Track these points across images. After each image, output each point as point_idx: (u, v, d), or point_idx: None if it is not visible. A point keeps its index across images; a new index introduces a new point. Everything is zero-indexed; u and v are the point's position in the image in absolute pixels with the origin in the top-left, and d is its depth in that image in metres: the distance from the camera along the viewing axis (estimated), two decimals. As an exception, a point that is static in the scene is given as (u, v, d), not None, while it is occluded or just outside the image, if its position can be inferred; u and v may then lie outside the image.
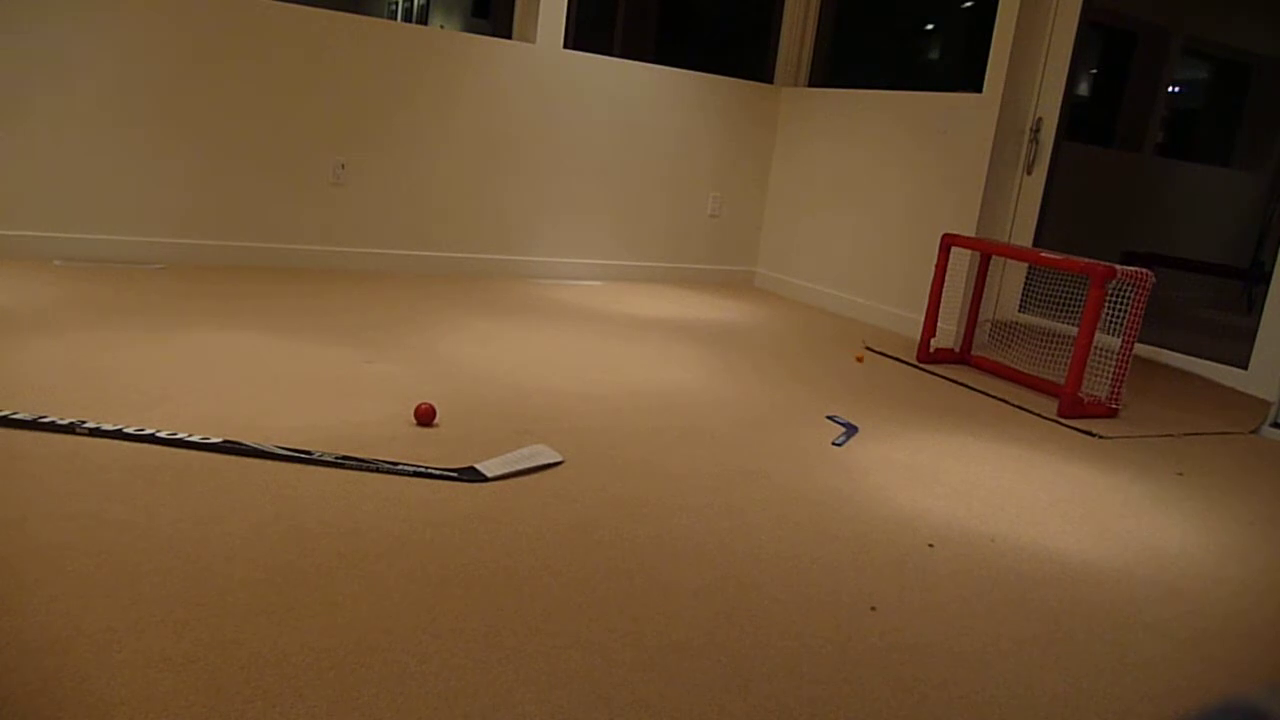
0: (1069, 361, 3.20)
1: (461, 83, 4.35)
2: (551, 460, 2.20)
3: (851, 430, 2.75)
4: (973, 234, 4.07)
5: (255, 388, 2.48)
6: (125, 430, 2.04)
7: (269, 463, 2.00)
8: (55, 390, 2.27)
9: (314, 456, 2.04)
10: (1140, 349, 3.81)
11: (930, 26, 6.05)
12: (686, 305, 4.52)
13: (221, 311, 3.21)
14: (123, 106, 3.72)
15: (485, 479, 2.06)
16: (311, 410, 2.35)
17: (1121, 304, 3.23)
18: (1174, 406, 3.40)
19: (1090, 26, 4.14)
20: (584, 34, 5.55)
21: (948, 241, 3.76)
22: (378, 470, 2.02)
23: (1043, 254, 3.36)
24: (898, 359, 3.83)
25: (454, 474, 2.06)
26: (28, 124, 3.57)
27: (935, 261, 3.92)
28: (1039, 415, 3.17)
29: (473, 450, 2.22)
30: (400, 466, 2.05)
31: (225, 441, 2.06)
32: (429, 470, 2.05)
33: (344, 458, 2.05)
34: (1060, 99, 3.97)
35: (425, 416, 2.36)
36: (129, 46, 3.67)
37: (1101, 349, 3.27)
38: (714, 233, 5.25)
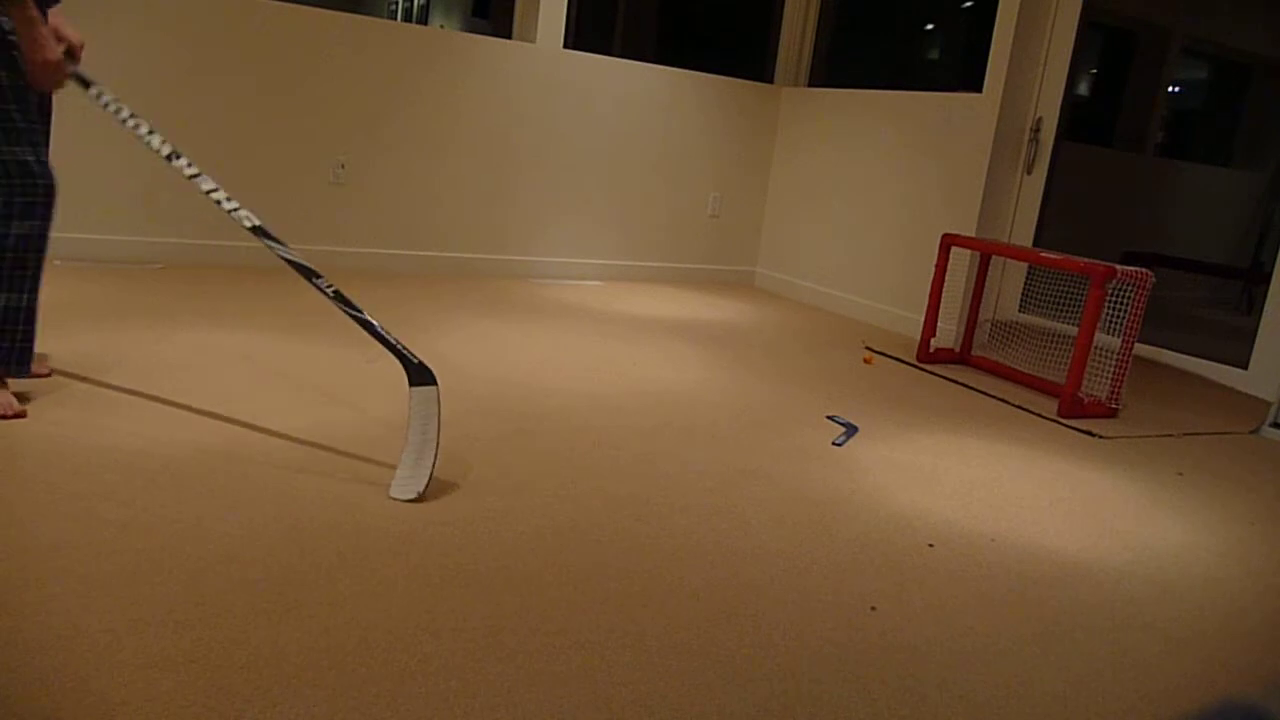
0: (1069, 361, 3.20)
1: (461, 83, 4.35)
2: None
3: (851, 430, 2.75)
4: (973, 234, 4.07)
5: (257, 387, 2.48)
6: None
7: (269, 462, 2.00)
8: (57, 390, 2.27)
9: (319, 282, 2.05)
10: (1140, 349, 3.81)
11: (930, 26, 6.05)
12: (687, 305, 4.52)
13: (222, 311, 3.21)
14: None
15: (434, 382, 1.99)
16: (313, 409, 2.35)
17: (1121, 304, 3.23)
18: (1174, 406, 3.40)
19: (1090, 26, 4.14)
20: (584, 34, 5.55)
21: (948, 241, 3.76)
22: (367, 326, 2.02)
23: (1043, 254, 3.36)
24: (898, 359, 3.83)
25: (414, 361, 2.00)
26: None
27: (935, 261, 3.92)
28: (1039, 415, 3.17)
29: (472, 449, 2.22)
30: (387, 337, 2.03)
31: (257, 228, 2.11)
32: (401, 349, 2.02)
33: (341, 299, 2.05)
34: (1060, 99, 3.97)
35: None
36: (129, 47, 3.67)
37: (1101, 349, 3.27)
38: (714, 233, 5.25)
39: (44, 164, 2.08)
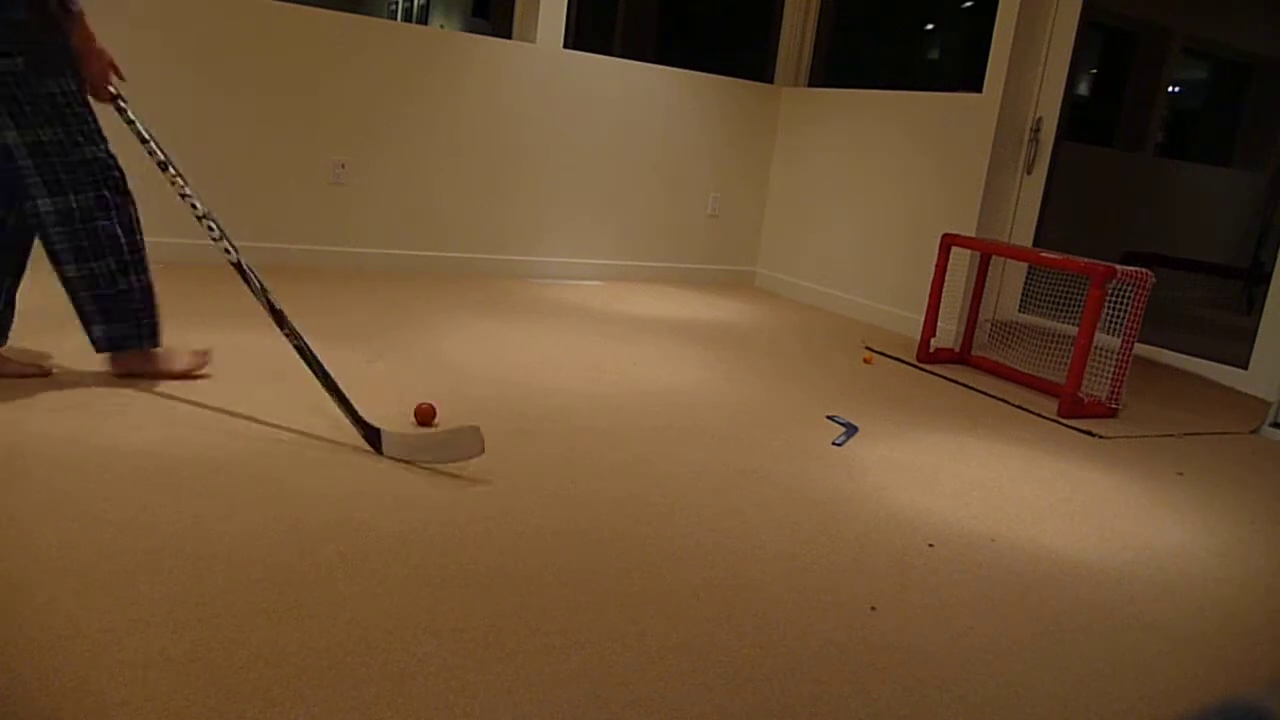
0: (1069, 361, 3.20)
1: (461, 83, 4.35)
2: (467, 454, 2.10)
3: (851, 430, 2.75)
4: (973, 234, 4.07)
5: (256, 387, 2.48)
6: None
7: (269, 462, 2.00)
8: (58, 390, 2.27)
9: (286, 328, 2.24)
10: (1140, 349, 3.81)
11: (930, 26, 6.05)
12: (686, 305, 4.52)
13: (221, 311, 3.21)
14: (123, 106, 3.72)
15: (379, 450, 2.14)
16: (313, 409, 2.35)
17: (1121, 304, 3.23)
18: (1174, 406, 3.40)
19: (1090, 26, 4.14)
20: (584, 34, 5.55)
21: (948, 241, 3.76)
22: (324, 382, 2.20)
23: (1043, 254, 3.36)
24: (898, 359, 3.83)
25: (365, 430, 2.17)
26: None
27: (935, 261, 3.92)
28: (1039, 415, 3.17)
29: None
30: (347, 399, 2.20)
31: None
32: (355, 412, 2.19)
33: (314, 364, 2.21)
34: (1060, 99, 3.97)
35: (425, 416, 2.36)
36: (129, 47, 3.67)
37: (1101, 349, 3.27)
38: (714, 232, 5.25)
39: (113, 155, 2.28)
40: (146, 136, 2.27)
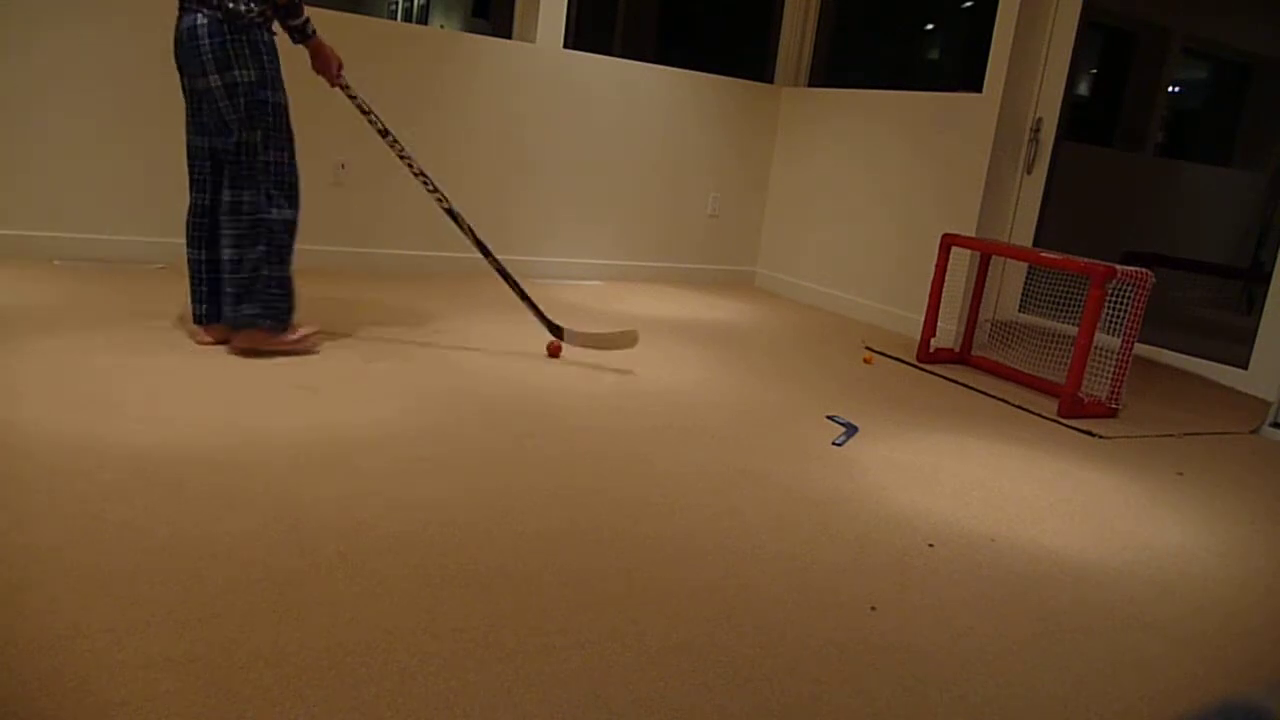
0: (1069, 361, 3.20)
1: (461, 83, 4.35)
2: (626, 345, 3.15)
3: (851, 430, 2.75)
4: (973, 234, 4.07)
5: (255, 388, 2.48)
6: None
7: (268, 463, 2.00)
8: (57, 391, 2.27)
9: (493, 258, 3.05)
10: (1140, 349, 3.81)
11: (930, 26, 6.05)
12: (686, 305, 4.52)
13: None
14: (122, 106, 3.72)
15: (560, 338, 3.14)
16: (312, 409, 2.35)
17: (1121, 304, 3.23)
18: (1174, 406, 3.40)
19: (1090, 26, 4.14)
20: (584, 34, 5.55)
21: (948, 241, 3.76)
22: (519, 294, 3.08)
23: (1043, 254, 3.36)
24: (898, 359, 3.83)
25: (550, 326, 3.13)
26: (28, 124, 3.57)
27: (935, 261, 3.92)
28: (1039, 415, 3.17)
29: (472, 448, 2.22)
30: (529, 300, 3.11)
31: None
32: (541, 312, 3.12)
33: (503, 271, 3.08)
34: (1060, 99, 3.97)
35: (555, 350, 3.13)
36: (129, 48, 3.67)
37: (1101, 349, 3.27)
38: (714, 232, 5.25)
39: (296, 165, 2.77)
40: (368, 109, 2.85)
